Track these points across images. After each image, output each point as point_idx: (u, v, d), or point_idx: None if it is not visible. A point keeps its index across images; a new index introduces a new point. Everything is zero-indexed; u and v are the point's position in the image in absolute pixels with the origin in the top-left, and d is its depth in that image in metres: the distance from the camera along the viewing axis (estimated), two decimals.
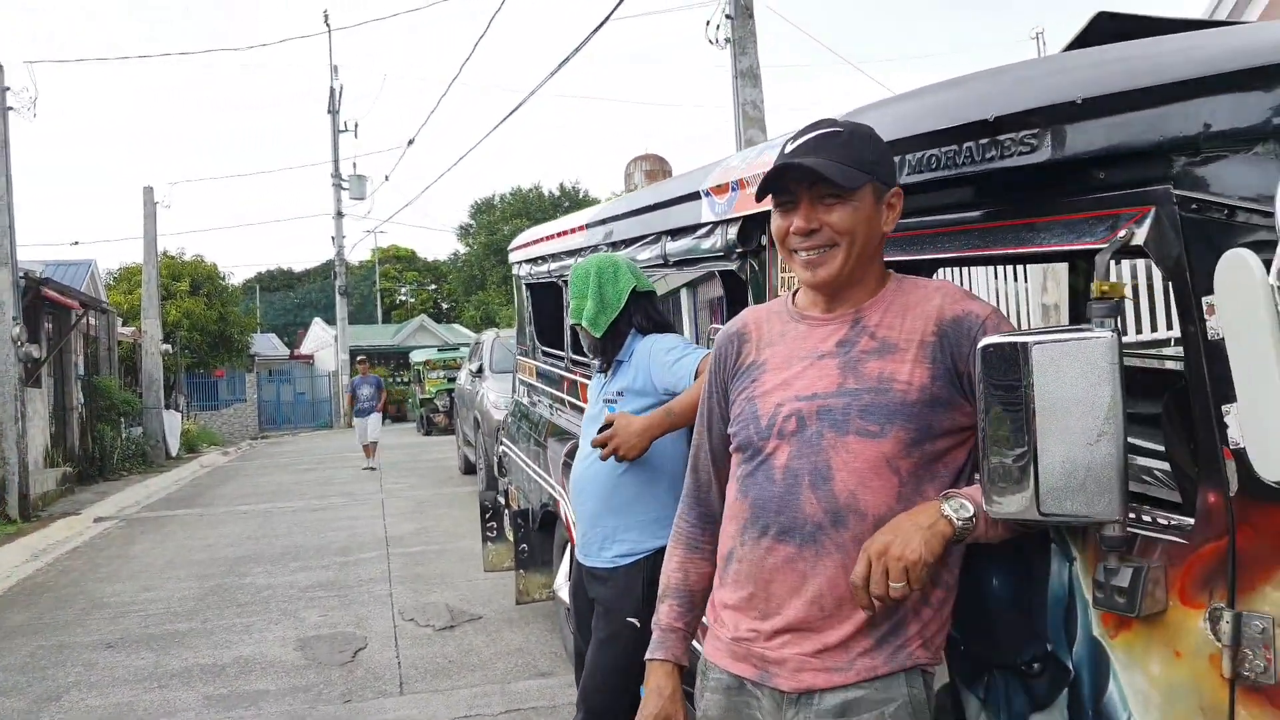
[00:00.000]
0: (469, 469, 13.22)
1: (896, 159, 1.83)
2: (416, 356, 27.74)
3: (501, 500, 5.83)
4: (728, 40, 10.62)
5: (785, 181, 1.64)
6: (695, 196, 2.95)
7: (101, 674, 5.46)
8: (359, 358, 18.67)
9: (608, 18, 11.49)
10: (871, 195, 1.63)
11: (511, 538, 5.30)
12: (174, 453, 19.55)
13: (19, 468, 11.19)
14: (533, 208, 45.51)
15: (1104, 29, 1.85)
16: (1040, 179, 1.61)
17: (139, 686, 5.20)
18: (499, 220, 46.39)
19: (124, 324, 21.71)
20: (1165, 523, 1.49)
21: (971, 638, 1.77)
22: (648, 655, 1.85)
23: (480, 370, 12.09)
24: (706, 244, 2.87)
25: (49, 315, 14.66)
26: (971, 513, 1.52)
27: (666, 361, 2.84)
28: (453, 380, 19.21)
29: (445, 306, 49.85)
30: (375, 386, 16.04)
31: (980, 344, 1.47)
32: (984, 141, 1.64)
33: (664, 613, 1.86)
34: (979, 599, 1.75)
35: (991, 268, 7.77)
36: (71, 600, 7.35)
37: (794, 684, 1.60)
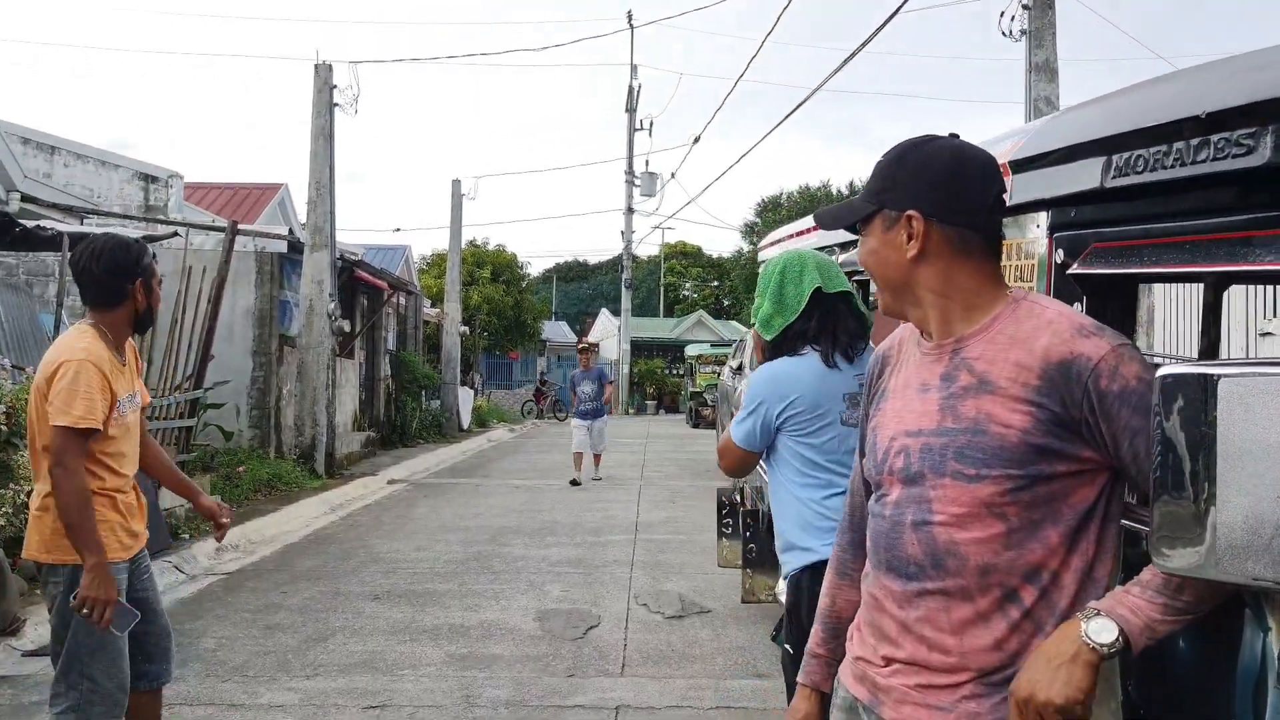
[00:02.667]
0: None
1: (1103, 160, 1.64)
2: (690, 351, 28.34)
3: (737, 497, 5.83)
4: (1023, 32, 9.97)
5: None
6: None
7: (365, 622, 6.02)
8: (580, 345, 15.50)
9: (896, 11, 11.15)
10: (881, 224, 1.59)
11: (742, 536, 5.29)
12: (465, 426, 21.21)
13: (328, 430, 12.57)
14: (820, 207, 45.14)
15: None
16: (1258, 185, 1.37)
17: (394, 637, 5.69)
18: (785, 219, 46.44)
19: (431, 305, 23.82)
20: None
21: (1153, 705, 1.56)
22: (797, 678, 1.85)
23: (740, 368, 12.12)
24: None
25: (364, 294, 16.35)
26: (1115, 636, 1.32)
27: None
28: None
29: (726, 303, 50.56)
30: (598, 381, 12.85)
31: (1159, 373, 1.29)
32: (1195, 141, 1.43)
33: (812, 637, 1.86)
34: (1161, 662, 1.53)
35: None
36: (353, 553, 8.16)
37: (895, 715, 1.54)
